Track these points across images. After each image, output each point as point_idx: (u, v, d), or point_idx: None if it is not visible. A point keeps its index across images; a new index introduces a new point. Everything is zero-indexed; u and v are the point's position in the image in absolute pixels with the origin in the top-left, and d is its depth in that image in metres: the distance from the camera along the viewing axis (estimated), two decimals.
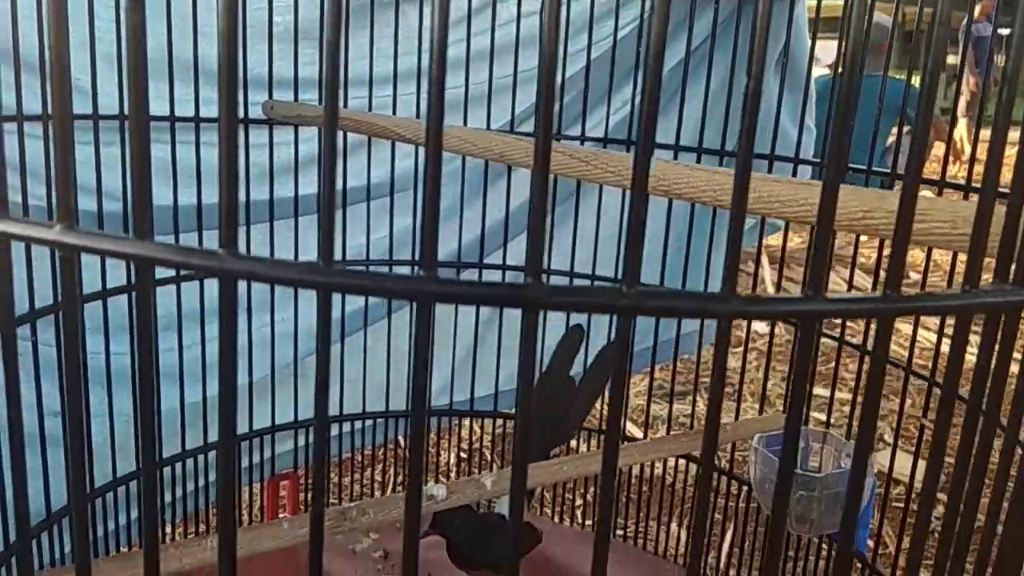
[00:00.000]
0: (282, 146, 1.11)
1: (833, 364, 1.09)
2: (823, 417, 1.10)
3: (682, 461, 1.55)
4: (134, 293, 0.30)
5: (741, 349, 1.25)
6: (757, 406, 1.95)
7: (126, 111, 0.92)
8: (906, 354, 1.01)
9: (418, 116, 1.11)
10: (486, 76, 1.14)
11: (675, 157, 1.10)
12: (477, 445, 1.85)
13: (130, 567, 0.68)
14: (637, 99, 1.16)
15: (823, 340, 1.07)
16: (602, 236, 1.18)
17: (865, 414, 0.33)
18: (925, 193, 0.80)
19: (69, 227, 0.30)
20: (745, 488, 1.29)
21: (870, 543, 1.08)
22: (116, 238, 0.29)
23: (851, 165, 0.92)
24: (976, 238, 0.32)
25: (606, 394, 0.98)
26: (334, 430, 1.28)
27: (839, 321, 1.09)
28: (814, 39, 1.08)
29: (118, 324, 1.00)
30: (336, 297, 1.14)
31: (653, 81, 0.29)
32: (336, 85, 0.28)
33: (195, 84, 1.00)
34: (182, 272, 1.05)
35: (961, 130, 4.79)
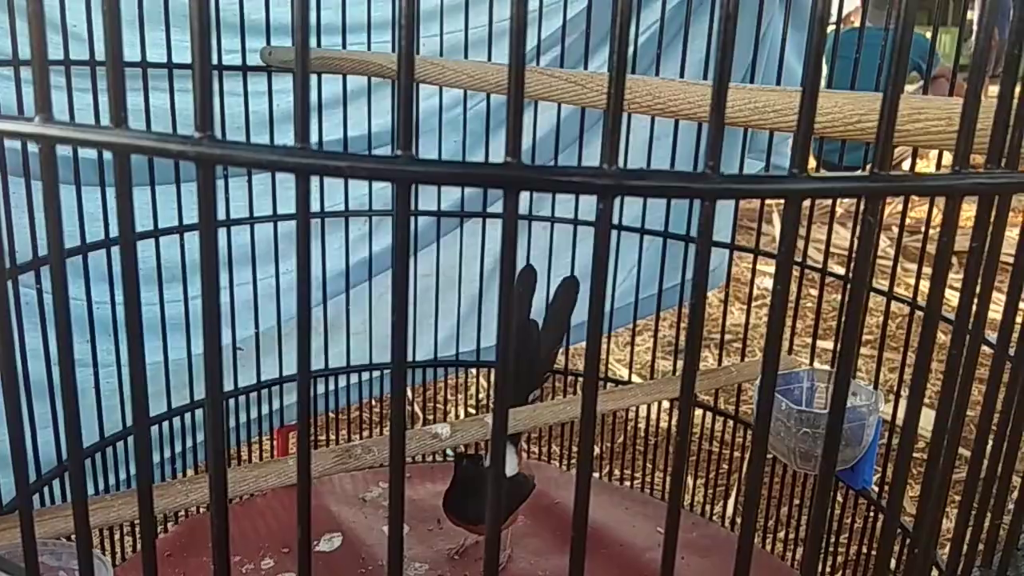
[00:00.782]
0: (281, 94, 1.10)
1: (836, 320, 1.08)
2: (828, 369, 1.10)
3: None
4: (118, 191, 0.30)
5: (746, 304, 1.25)
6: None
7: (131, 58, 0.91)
8: (910, 295, 1.00)
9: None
10: (486, 20, 1.13)
11: None
12: (485, 401, 1.86)
13: (136, 502, 0.68)
14: (641, 39, 1.15)
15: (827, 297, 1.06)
16: None
17: (850, 317, 0.32)
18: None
19: (47, 119, 0.30)
20: (751, 435, 1.29)
21: (875, 487, 1.08)
22: (93, 128, 0.29)
23: None
24: (966, 118, 0.31)
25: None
26: (341, 381, 1.29)
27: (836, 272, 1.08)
28: None
29: None
30: (340, 249, 1.13)
31: None
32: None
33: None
34: (186, 222, 1.05)
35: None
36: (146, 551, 0.35)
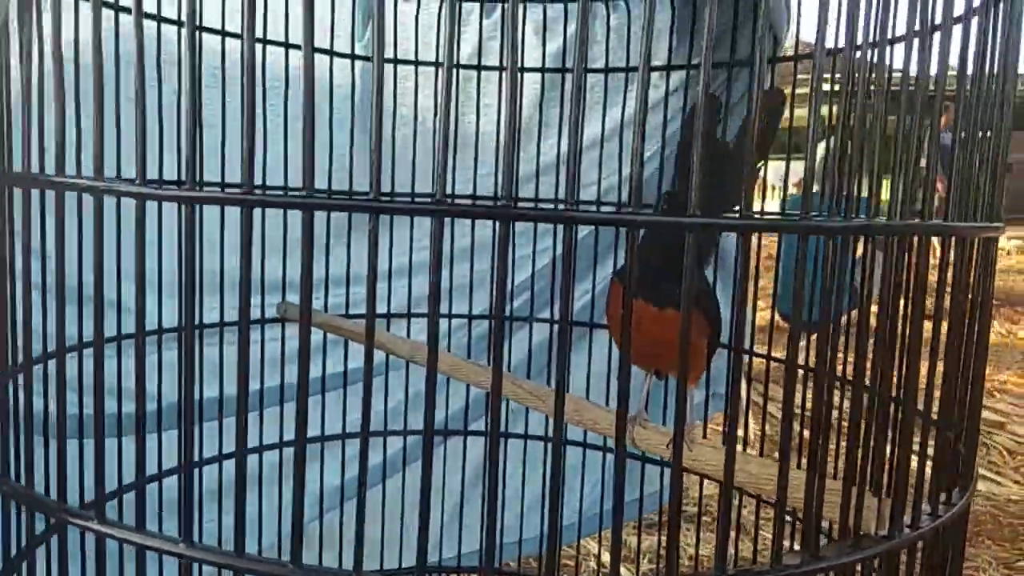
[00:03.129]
0: (292, 339, 1.28)
1: None
2: None
3: None
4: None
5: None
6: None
7: (164, 324, 1.09)
8: None
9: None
10: (467, 270, 1.34)
11: None
12: None
13: None
14: (598, 288, 1.36)
15: None
16: None
17: None
18: None
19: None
20: None
21: None
22: (166, 542, 0.45)
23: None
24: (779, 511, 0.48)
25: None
26: None
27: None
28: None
29: None
30: (337, 468, 1.25)
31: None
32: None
33: (220, 293, 1.18)
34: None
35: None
36: None
